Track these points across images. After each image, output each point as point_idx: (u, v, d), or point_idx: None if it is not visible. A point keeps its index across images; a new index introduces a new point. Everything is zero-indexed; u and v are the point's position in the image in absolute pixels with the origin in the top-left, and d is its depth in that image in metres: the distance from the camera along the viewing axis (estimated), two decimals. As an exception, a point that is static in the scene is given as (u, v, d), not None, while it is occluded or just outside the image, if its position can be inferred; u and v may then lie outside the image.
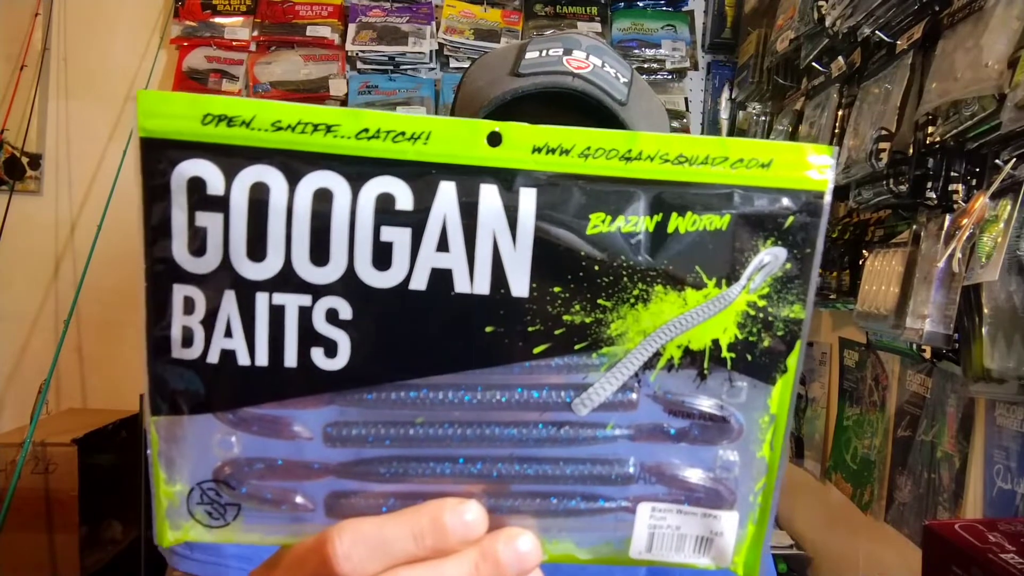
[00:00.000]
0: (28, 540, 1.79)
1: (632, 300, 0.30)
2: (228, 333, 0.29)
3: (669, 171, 0.29)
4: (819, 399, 1.67)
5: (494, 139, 0.29)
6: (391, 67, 2.09)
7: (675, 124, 2.05)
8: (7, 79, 2.13)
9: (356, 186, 0.29)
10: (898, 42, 1.16)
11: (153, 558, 1.79)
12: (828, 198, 0.30)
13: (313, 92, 2.08)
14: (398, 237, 0.29)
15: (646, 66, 2.04)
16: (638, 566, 0.70)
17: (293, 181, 0.28)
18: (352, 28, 2.08)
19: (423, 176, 0.29)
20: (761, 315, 0.30)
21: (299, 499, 0.31)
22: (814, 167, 0.30)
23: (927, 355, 1.08)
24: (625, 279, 0.30)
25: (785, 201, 0.30)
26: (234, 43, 2.12)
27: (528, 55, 0.58)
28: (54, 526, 1.81)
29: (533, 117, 0.55)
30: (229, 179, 0.28)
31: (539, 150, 0.29)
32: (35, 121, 2.14)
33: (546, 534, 0.32)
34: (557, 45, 0.58)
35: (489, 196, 0.29)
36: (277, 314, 0.29)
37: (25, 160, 2.13)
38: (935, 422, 1.17)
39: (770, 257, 0.30)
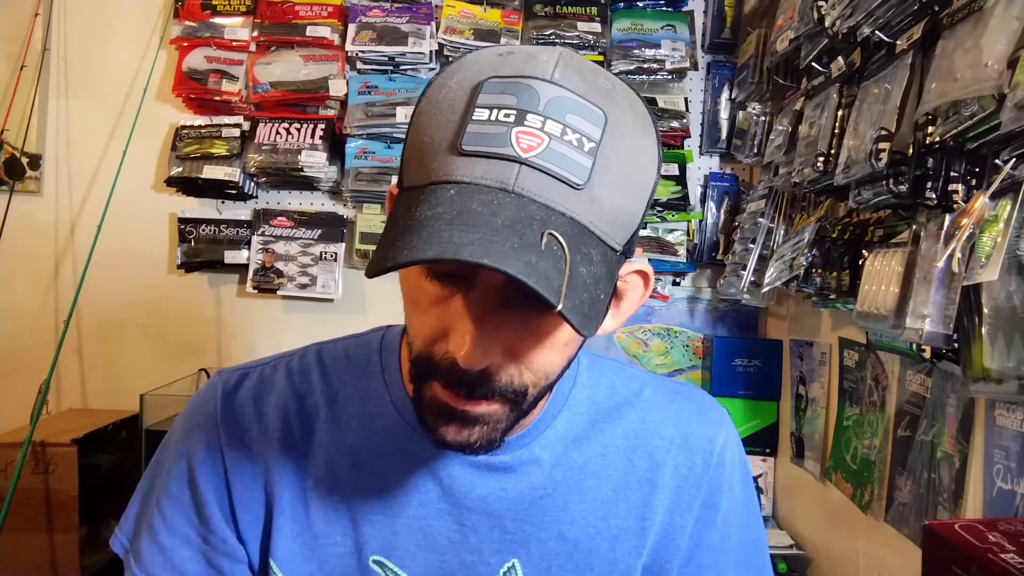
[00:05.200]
0: (28, 540, 1.79)
1: None
2: None
3: None
4: (819, 399, 1.67)
5: None
6: (391, 67, 2.09)
7: (675, 124, 2.04)
8: (7, 79, 2.13)
9: None
10: (898, 42, 1.16)
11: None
12: None
13: (313, 92, 2.08)
14: None
15: (646, 66, 2.04)
16: (634, 565, 0.73)
17: None
18: (352, 28, 2.08)
19: None
20: None
21: None
22: None
23: (927, 355, 1.08)
24: None
25: None
26: (234, 43, 2.12)
27: (476, 114, 0.50)
28: (54, 526, 1.81)
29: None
30: None
31: None
32: (35, 121, 2.14)
33: None
34: (511, 106, 0.50)
35: None
36: None
37: (25, 160, 2.13)
38: (935, 422, 1.17)
39: None
